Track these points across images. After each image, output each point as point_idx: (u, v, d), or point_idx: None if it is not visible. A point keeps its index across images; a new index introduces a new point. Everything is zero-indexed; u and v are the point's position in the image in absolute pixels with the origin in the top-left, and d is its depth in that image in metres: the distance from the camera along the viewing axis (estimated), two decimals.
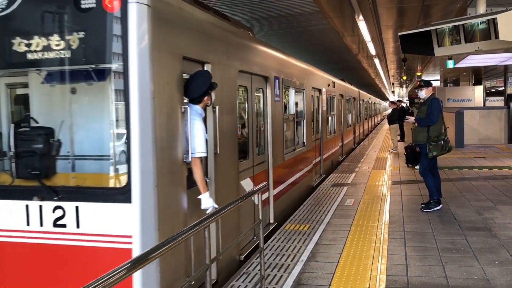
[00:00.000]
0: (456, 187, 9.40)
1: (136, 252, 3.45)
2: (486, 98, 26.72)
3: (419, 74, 27.19)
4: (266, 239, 6.44)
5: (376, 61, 22.65)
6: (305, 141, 9.75)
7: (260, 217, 4.36)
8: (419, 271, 4.81)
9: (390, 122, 17.60)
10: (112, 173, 3.82)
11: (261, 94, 6.86)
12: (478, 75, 28.57)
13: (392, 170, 12.04)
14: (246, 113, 6.28)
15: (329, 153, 13.10)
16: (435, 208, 7.43)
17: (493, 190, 8.97)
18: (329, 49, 18.81)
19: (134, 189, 3.46)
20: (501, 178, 10.23)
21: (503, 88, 26.21)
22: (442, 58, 17.33)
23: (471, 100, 26.06)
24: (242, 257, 5.60)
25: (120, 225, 3.51)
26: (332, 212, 7.54)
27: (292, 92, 8.86)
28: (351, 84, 20.91)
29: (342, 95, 16.10)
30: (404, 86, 47.83)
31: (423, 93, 7.55)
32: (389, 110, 19.24)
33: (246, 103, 6.24)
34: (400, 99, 49.01)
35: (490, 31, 7.61)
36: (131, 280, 3.39)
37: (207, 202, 4.16)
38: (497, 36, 7.36)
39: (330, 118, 13.54)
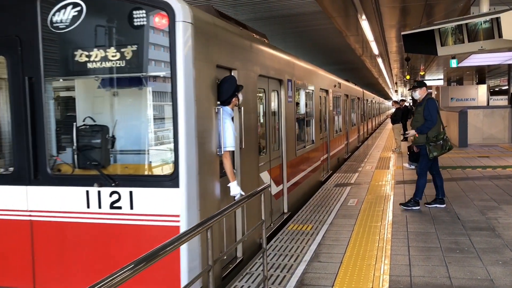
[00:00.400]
0: (459, 186, 9.37)
1: (183, 229, 4.01)
2: (490, 97, 26.63)
3: (422, 73, 27.12)
4: (280, 227, 7.04)
5: (379, 60, 22.61)
6: (314, 138, 10.30)
7: (263, 218, 4.36)
8: (423, 271, 4.80)
9: (393, 122, 17.58)
10: (161, 163, 4.58)
11: (276, 95, 7.47)
12: (481, 74, 28.48)
13: (395, 170, 12.02)
14: (264, 112, 6.90)
15: (336, 150, 13.66)
16: (413, 208, 7.49)
17: (497, 189, 8.94)
18: (332, 49, 18.78)
19: (181, 176, 4.07)
20: (505, 178, 10.20)
21: (507, 87, 26.12)
22: (446, 58, 17.29)
23: (475, 99, 25.99)
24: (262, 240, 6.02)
25: (169, 206, 4.12)
26: (335, 212, 7.54)
27: (302, 93, 9.41)
28: (355, 84, 21.15)
29: (347, 95, 16.43)
30: (407, 86, 47.73)
31: (417, 94, 7.58)
32: (393, 110, 19.22)
33: (264, 103, 6.88)
34: (404, 98, 48.89)
35: (493, 30, 7.59)
36: (179, 252, 4.00)
37: (235, 189, 4.84)
38: (500, 35, 7.34)
39: (336, 118, 13.98)
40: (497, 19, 7.35)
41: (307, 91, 9.70)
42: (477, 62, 20.00)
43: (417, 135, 7.43)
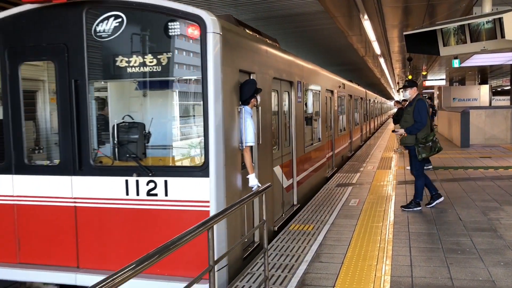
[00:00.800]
0: (461, 187, 9.35)
1: (212, 212, 4.57)
2: (492, 97, 26.60)
3: (424, 73, 27.08)
4: (289, 219, 7.49)
5: (382, 60, 22.58)
6: (320, 137, 10.84)
7: (264, 218, 4.36)
8: (424, 272, 4.80)
9: (395, 122, 17.55)
10: (192, 156, 5.33)
11: (287, 96, 8.01)
12: (484, 74, 28.45)
13: (397, 170, 12.01)
14: (277, 112, 7.38)
15: (340, 148, 14.30)
16: (415, 209, 7.48)
17: (499, 190, 8.92)
18: (334, 49, 18.77)
19: (211, 167, 4.66)
20: (507, 178, 10.17)
21: (509, 87, 26.07)
22: (448, 58, 17.26)
23: (477, 99, 25.97)
24: (276, 228, 6.88)
25: (199, 193, 4.70)
26: (337, 212, 7.53)
27: (310, 94, 9.93)
28: (358, 85, 21.50)
29: (350, 96, 16.94)
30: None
31: (408, 94, 7.57)
32: (395, 110, 19.18)
33: (277, 103, 7.38)
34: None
35: (496, 31, 7.57)
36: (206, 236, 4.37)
37: (253, 180, 5.33)
38: (503, 36, 7.32)
39: (340, 117, 14.57)
40: (500, 19, 7.33)
41: (314, 92, 10.20)
42: (480, 62, 19.97)
43: (405, 135, 7.40)
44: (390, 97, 74.66)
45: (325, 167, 11.54)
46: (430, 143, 7.17)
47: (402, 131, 7.49)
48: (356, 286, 4.50)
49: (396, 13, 12.17)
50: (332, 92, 12.55)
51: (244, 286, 4.63)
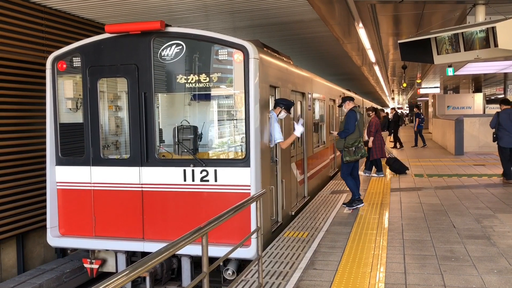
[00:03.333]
0: (455, 194, 9.39)
1: (252, 193, 5.77)
2: (486, 105, 26.75)
3: (419, 81, 27.22)
4: (301, 209, 8.58)
5: (376, 68, 22.69)
6: (324, 140, 12.25)
7: (259, 225, 4.36)
8: (418, 279, 4.80)
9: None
10: (236, 151, 6.72)
11: (299, 105, 9.24)
12: (478, 83, 28.63)
13: (391, 178, 12.04)
14: (292, 118, 8.47)
15: None
16: (358, 206, 8.22)
17: (492, 198, 8.96)
18: (331, 57, 18.78)
19: (251, 159, 5.94)
20: (501, 186, 10.22)
21: (502, 96, 26.22)
22: (442, 66, 17.35)
23: (471, 107, 26.12)
24: (293, 213, 8.11)
25: (242, 179, 5.99)
26: (331, 219, 7.53)
27: (317, 103, 11.24)
28: (356, 93, 22.19)
29: None
30: (403, 93, 47.86)
31: (344, 109, 8.50)
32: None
33: (292, 111, 8.35)
34: (396, 106, 48.98)
35: (489, 40, 7.62)
36: (249, 208, 5.73)
37: (299, 130, 7.23)
38: (496, 45, 7.37)
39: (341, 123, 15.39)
40: (493, 28, 7.38)
41: (320, 100, 11.59)
42: (473, 70, 20.11)
43: (337, 138, 8.52)
44: (385, 105, 74.96)
45: (329, 167, 12.93)
46: (354, 148, 7.98)
47: (335, 133, 8.72)
48: None
49: (390, 21, 12.24)
50: (334, 101, 13.83)
51: None
